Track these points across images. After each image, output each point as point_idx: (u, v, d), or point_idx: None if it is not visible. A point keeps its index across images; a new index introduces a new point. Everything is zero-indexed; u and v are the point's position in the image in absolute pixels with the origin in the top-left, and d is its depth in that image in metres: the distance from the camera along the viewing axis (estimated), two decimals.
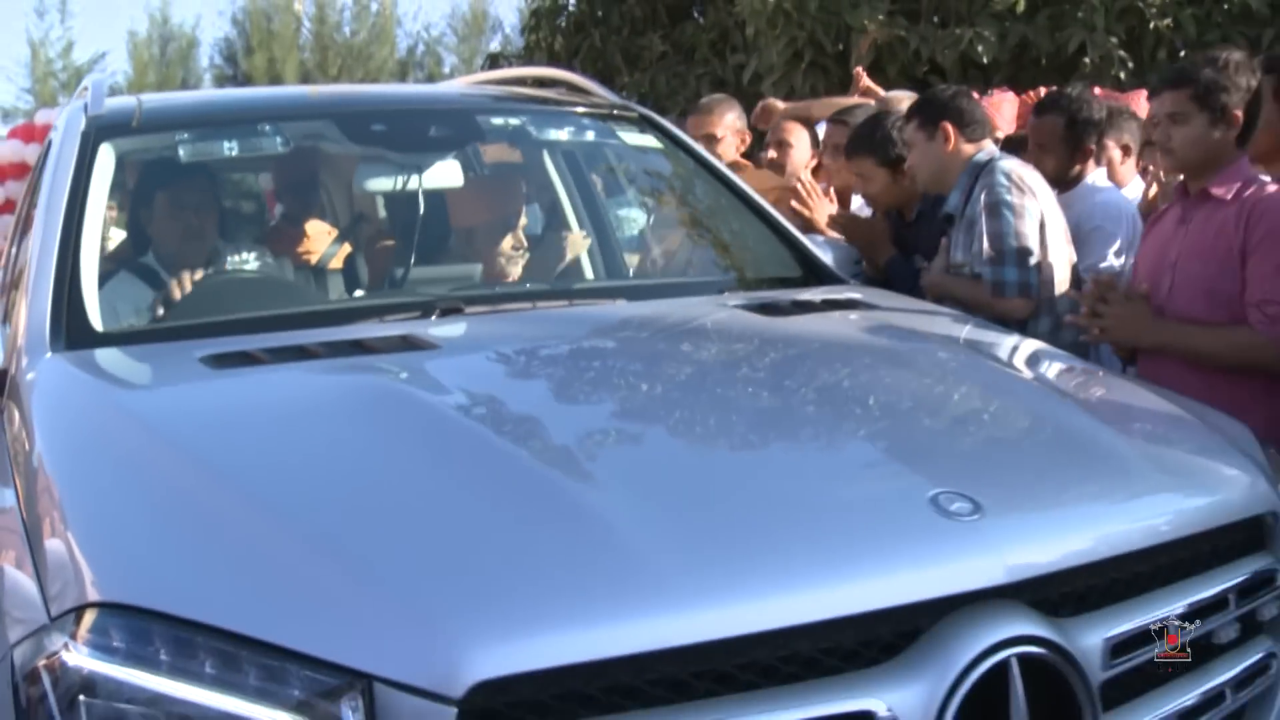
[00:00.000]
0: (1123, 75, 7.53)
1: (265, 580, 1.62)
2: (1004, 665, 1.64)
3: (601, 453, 2.02)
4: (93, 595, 1.63)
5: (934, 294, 3.70)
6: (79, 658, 1.56)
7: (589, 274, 3.85)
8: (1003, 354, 2.73)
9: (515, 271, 3.61)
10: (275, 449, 1.99)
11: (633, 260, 4.05)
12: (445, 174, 3.89)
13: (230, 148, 3.85)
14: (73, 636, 1.59)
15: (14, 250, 3.79)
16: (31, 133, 9.32)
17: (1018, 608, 1.70)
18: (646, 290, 3.40)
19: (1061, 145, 4.10)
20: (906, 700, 1.60)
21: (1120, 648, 1.78)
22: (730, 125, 5.22)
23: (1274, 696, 2.01)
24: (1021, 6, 7.53)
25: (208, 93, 4.14)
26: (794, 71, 7.24)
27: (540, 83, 4.58)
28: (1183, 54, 7.29)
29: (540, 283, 3.50)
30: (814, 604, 1.61)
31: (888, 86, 6.66)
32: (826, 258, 3.45)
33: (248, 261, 3.63)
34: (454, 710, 1.45)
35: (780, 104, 5.59)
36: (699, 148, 3.92)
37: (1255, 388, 2.96)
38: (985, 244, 3.58)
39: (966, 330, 2.89)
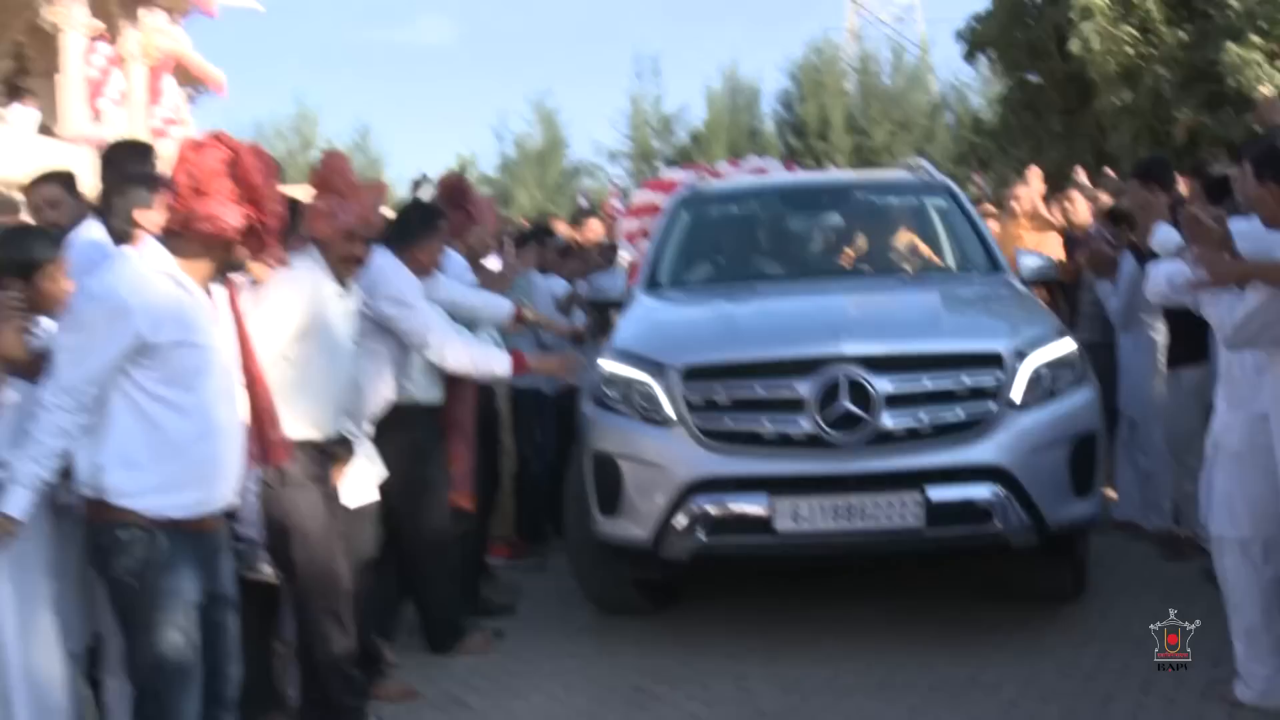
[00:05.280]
0: None
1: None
2: (840, 379, 5.12)
3: (769, 298, 6.39)
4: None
5: None
6: None
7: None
8: (958, 284, 6.70)
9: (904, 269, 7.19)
10: (674, 310, 6.54)
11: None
12: (834, 220, 8.30)
13: (735, 210, 8.48)
14: None
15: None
16: (659, 185, 12.35)
17: (858, 365, 5.07)
18: (884, 273, 7.54)
19: None
20: (810, 387, 5.08)
21: (900, 383, 5.09)
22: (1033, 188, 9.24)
23: (991, 421, 5.12)
24: None
25: (732, 181, 8.98)
26: (1137, 148, 10.75)
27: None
28: None
29: (842, 268, 7.68)
30: (802, 350, 5.33)
31: (1200, 159, 10.02)
32: (1029, 261, 7.37)
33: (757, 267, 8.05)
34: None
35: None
36: (969, 206, 7.91)
37: None
38: None
39: (977, 282, 6.79)
